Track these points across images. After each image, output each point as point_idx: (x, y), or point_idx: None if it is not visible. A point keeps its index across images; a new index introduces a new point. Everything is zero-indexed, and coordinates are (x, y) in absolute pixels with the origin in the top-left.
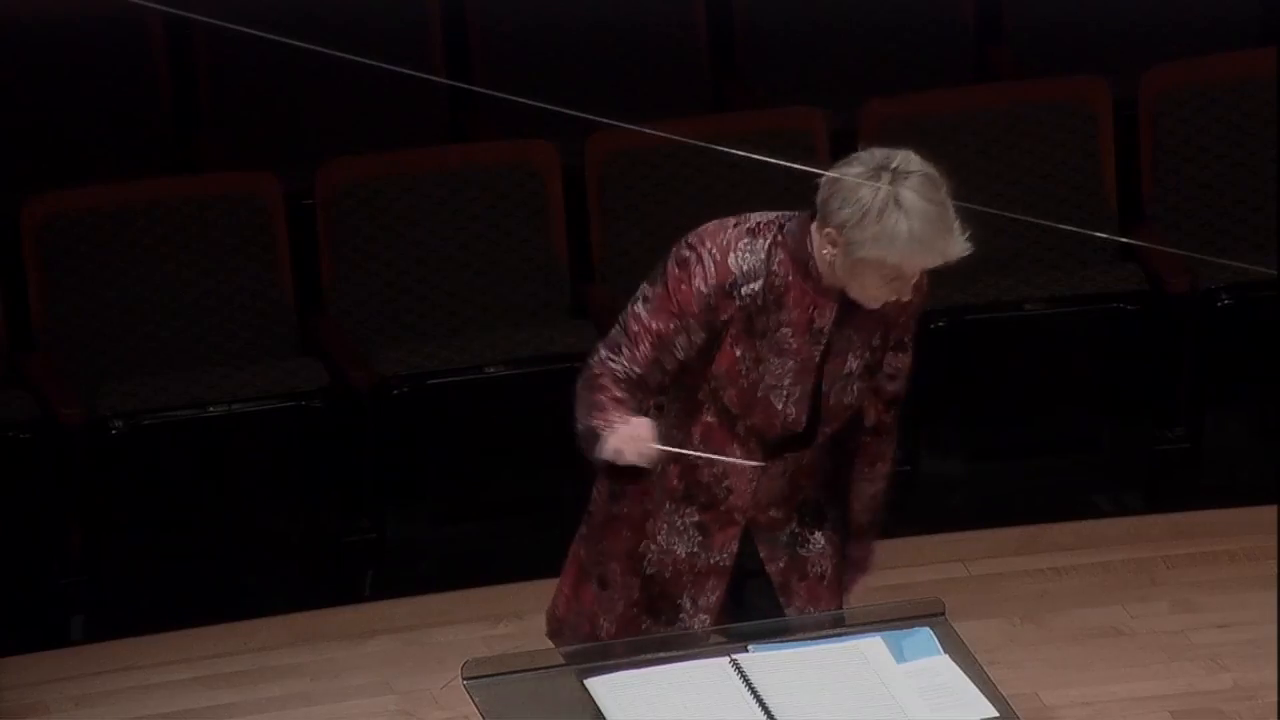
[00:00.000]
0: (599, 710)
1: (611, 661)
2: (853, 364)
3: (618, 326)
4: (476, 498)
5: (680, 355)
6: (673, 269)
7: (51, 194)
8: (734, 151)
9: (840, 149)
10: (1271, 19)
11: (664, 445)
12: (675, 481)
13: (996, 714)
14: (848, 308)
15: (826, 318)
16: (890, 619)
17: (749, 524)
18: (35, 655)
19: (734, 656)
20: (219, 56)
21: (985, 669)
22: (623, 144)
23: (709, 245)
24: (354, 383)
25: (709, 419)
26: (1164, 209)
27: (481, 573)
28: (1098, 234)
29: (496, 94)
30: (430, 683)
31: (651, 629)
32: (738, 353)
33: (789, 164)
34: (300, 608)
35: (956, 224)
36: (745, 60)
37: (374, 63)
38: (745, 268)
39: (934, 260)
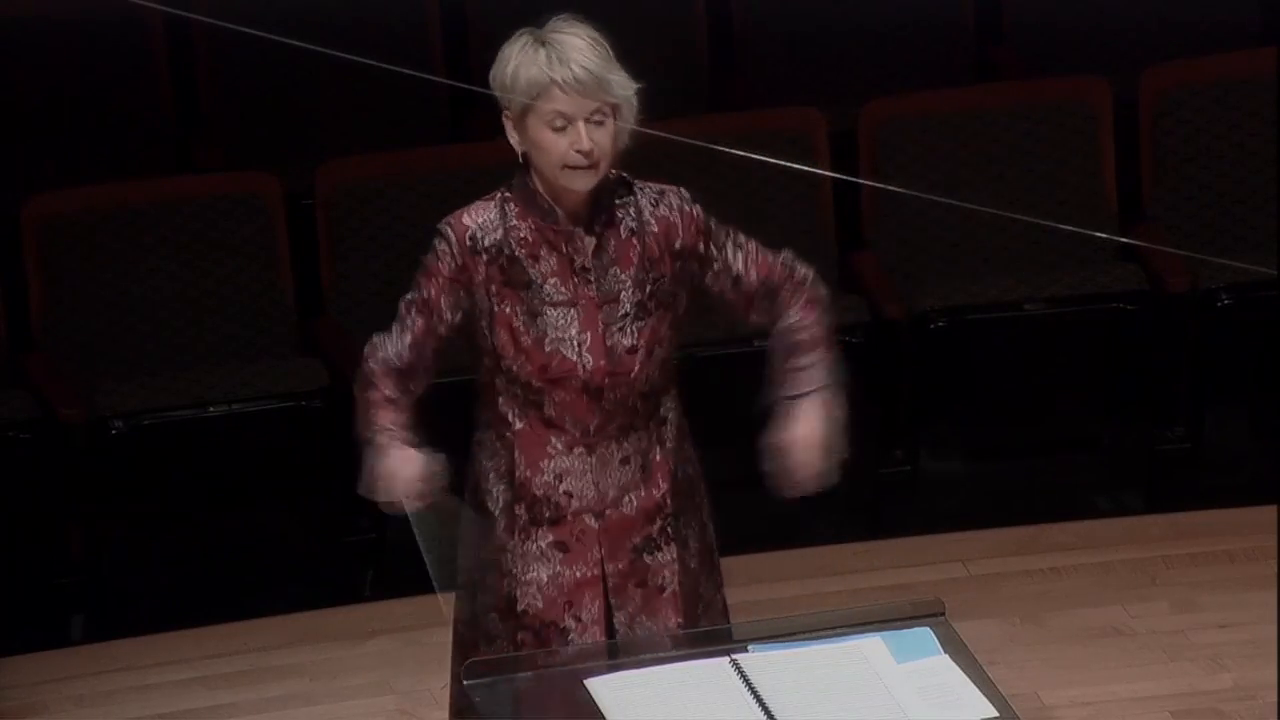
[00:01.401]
0: (599, 710)
1: (611, 661)
2: (626, 304)
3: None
4: None
5: (449, 318)
6: (426, 255)
7: (51, 194)
8: (734, 151)
9: (840, 149)
10: (1271, 19)
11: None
12: (517, 511)
13: (996, 714)
14: (599, 239)
15: (583, 250)
16: (890, 619)
17: (602, 524)
18: (35, 655)
19: (734, 656)
20: (219, 56)
21: (985, 669)
22: None
23: (448, 219)
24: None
25: (520, 425)
26: (1164, 209)
27: None
28: (1098, 234)
29: (497, 94)
30: (430, 683)
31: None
32: (508, 309)
33: (789, 164)
34: (300, 608)
35: (614, 64)
36: (745, 60)
37: (374, 63)
38: (480, 221)
39: (591, 90)
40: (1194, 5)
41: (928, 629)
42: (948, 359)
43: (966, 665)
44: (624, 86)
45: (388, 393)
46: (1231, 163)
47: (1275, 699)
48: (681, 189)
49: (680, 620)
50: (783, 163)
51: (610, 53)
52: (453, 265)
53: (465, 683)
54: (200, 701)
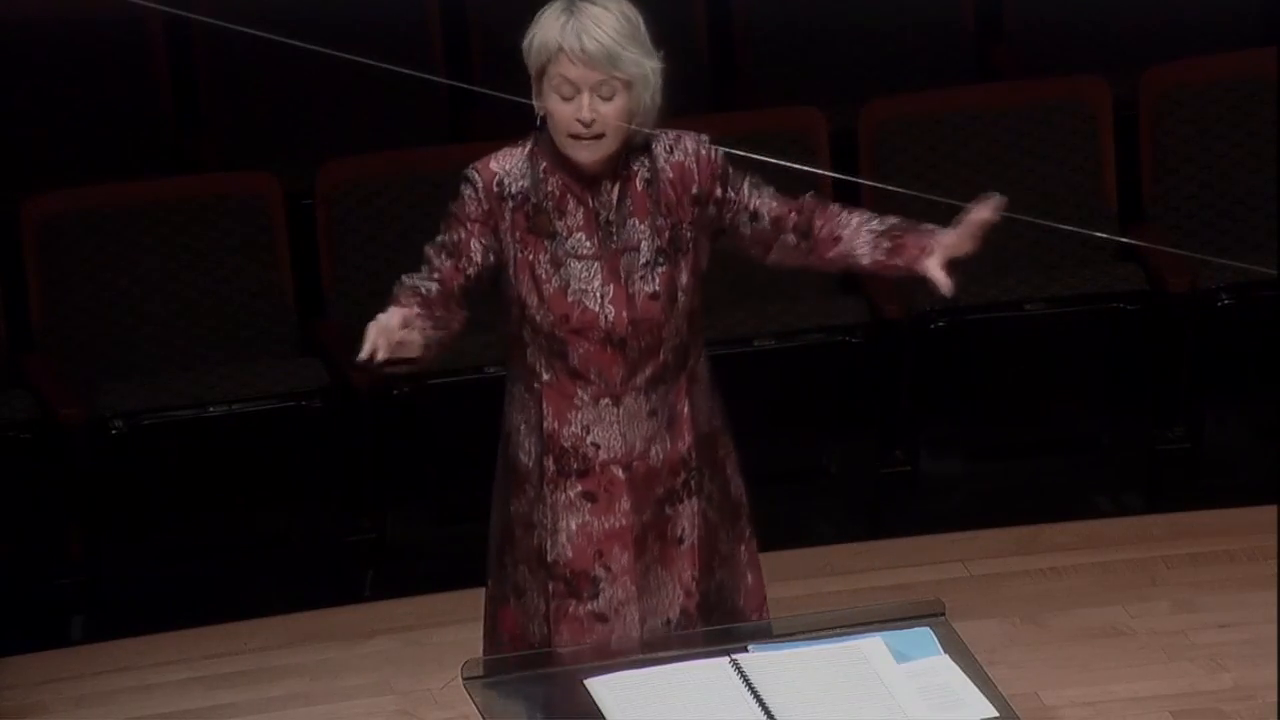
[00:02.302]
0: (599, 710)
1: (611, 661)
2: (646, 252)
3: None
4: (477, 498)
5: (479, 260)
6: (453, 202)
7: (51, 194)
8: (734, 151)
9: (840, 149)
10: (1271, 19)
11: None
12: (546, 463)
13: (996, 714)
14: (618, 192)
15: (608, 204)
16: (890, 619)
17: (630, 476)
18: (35, 655)
19: (734, 656)
20: (219, 56)
21: (985, 669)
22: None
23: (474, 165)
24: (354, 383)
25: (547, 377)
26: (1164, 209)
27: (481, 573)
28: (1098, 234)
29: (496, 94)
30: (430, 683)
31: (579, 610)
32: (530, 256)
33: (789, 164)
34: (300, 608)
35: (646, 45)
36: (745, 60)
37: (374, 63)
38: (506, 167)
39: (599, 62)
40: (1194, 5)
41: (928, 629)
42: (948, 359)
43: (966, 665)
44: (637, 64)
45: (417, 296)
46: (1231, 163)
47: (1275, 699)
48: (700, 134)
49: (695, 574)
50: (783, 163)
51: (639, 30)
52: (480, 210)
53: (465, 682)
54: (200, 701)
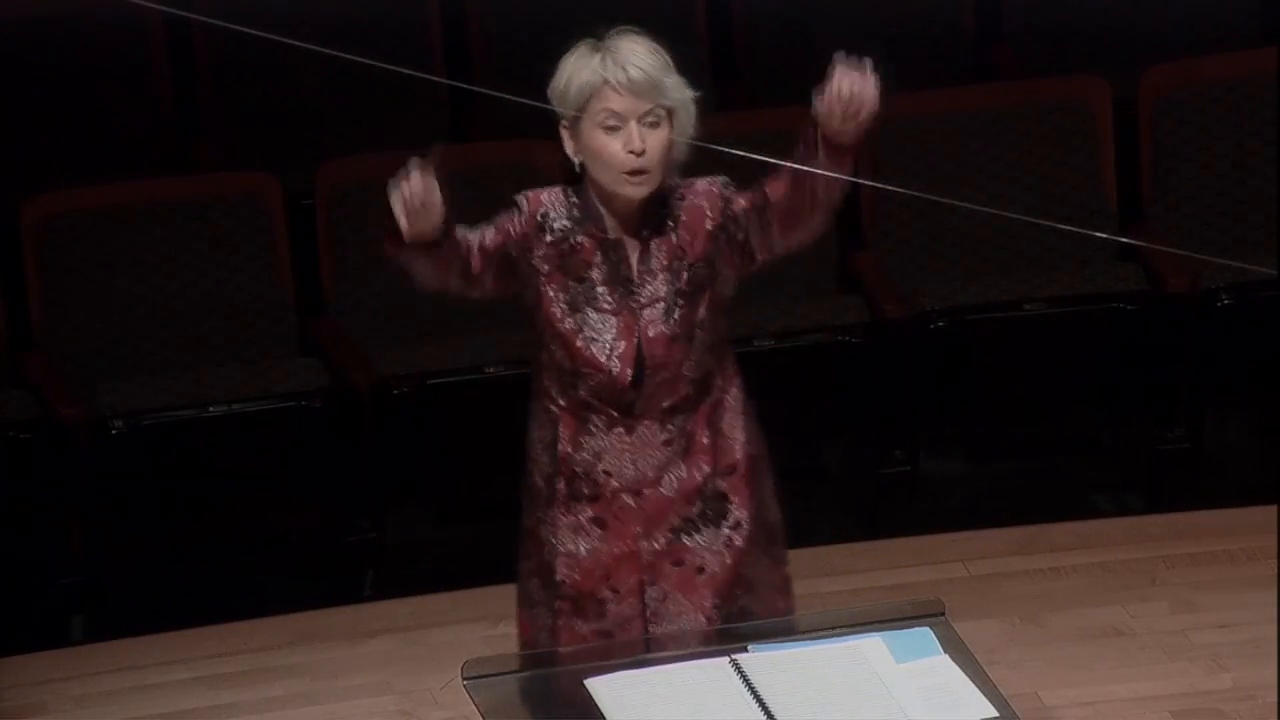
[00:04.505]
0: (599, 710)
1: (611, 661)
2: (666, 298)
3: None
4: (476, 498)
5: (493, 254)
6: (501, 214)
7: (51, 194)
8: (733, 151)
9: None
10: (1271, 19)
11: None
12: (558, 485)
13: (996, 714)
14: (645, 248)
15: (630, 260)
16: (890, 619)
17: (640, 503)
18: (35, 655)
19: (734, 656)
20: (219, 56)
21: (985, 669)
22: None
23: (525, 192)
24: (354, 383)
25: (563, 401)
26: (1164, 209)
27: (481, 573)
28: (1098, 234)
29: (496, 94)
30: (430, 683)
31: (583, 629)
32: (552, 293)
33: (789, 164)
34: (300, 608)
35: (671, 70)
36: (745, 60)
37: (374, 63)
38: (555, 202)
39: (645, 90)
40: (1194, 5)
41: (928, 629)
42: (948, 359)
43: (966, 665)
44: (679, 89)
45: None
46: (1231, 163)
47: (1275, 699)
48: (715, 177)
49: (716, 602)
50: (783, 163)
51: (668, 60)
52: (518, 230)
53: (465, 682)
54: (200, 701)
